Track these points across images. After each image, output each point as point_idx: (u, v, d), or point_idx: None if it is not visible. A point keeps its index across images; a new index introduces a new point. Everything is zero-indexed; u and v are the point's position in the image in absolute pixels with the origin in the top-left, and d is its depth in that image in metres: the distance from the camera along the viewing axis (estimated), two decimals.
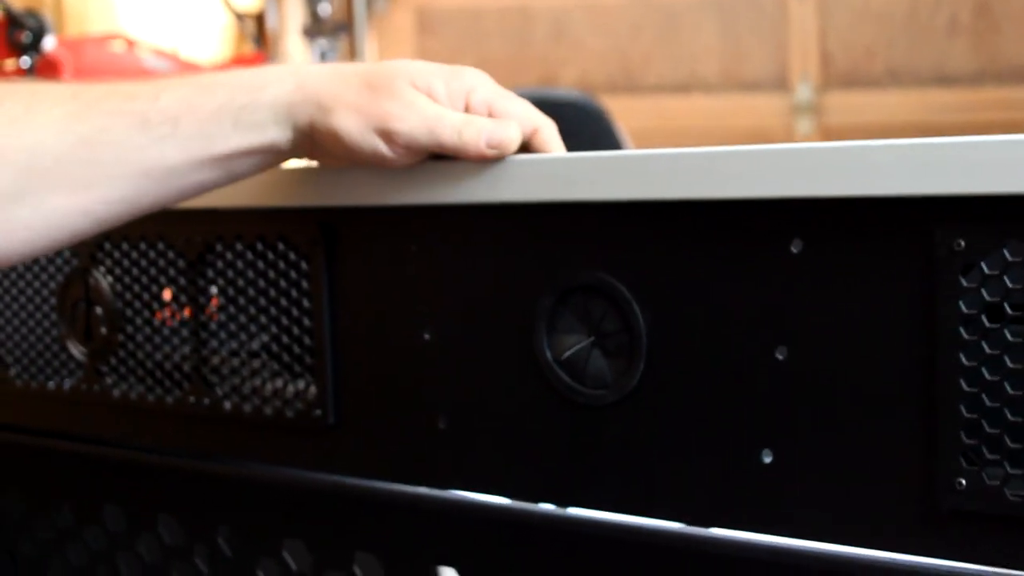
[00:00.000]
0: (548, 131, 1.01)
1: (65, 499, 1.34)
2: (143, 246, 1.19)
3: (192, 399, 1.17)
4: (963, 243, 0.75)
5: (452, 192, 0.97)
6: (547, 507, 0.98)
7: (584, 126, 3.18)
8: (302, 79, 0.98)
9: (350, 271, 1.08)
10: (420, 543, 1.06)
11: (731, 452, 0.87)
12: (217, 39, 4.51)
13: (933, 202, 0.77)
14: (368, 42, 4.97)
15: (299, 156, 1.01)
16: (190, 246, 1.16)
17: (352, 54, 4.97)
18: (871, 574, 0.82)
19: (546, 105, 3.10)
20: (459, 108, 0.98)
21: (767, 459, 0.85)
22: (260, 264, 1.12)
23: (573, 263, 0.95)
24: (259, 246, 1.11)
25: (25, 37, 2.84)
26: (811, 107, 4.60)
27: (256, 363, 1.14)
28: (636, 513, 0.93)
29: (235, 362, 1.15)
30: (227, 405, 1.14)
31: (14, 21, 2.83)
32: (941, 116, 4.42)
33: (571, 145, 3.10)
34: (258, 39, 4.66)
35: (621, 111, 4.55)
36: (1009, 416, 0.74)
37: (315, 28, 4.78)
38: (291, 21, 4.76)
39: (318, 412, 1.09)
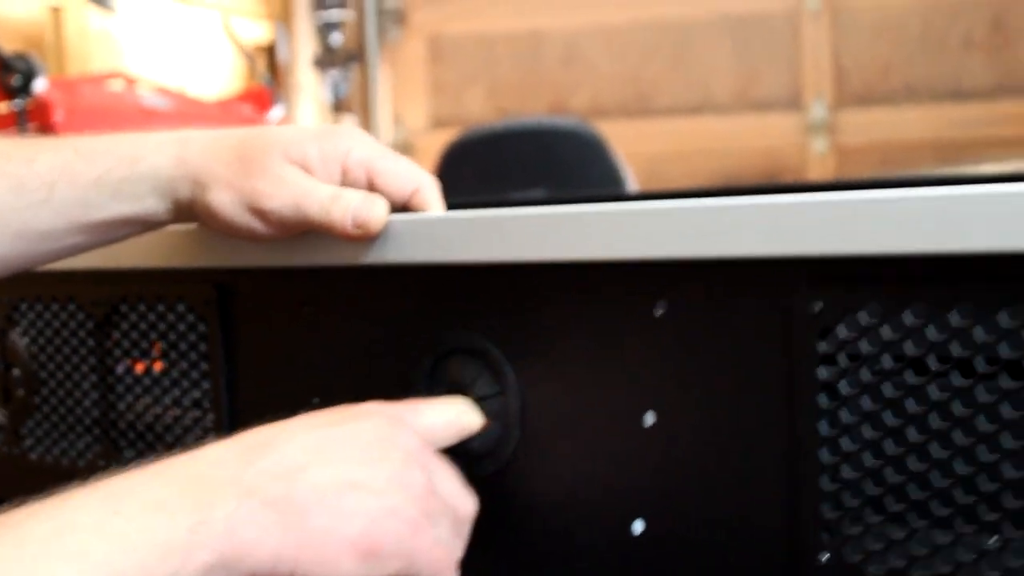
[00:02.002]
0: (428, 190, 0.99)
1: None
2: (55, 307, 1.18)
3: (102, 463, 1.16)
4: (820, 306, 0.73)
5: (334, 254, 0.96)
6: None
7: (581, 155, 3.21)
8: (181, 152, 0.97)
9: (245, 332, 1.07)
10: None
11: (604, 522, 0.85)
12: (227, 74, 4.54)
13: (790, 263, 0.75)
14: (380, 71, 5.04)
15: (179, 222, 1.00)
16: (97, 306, 1.15)
17: (364, 84, 5.03)
18: None
19: (544, 134, 3.12)
20: (334, 174, 0.96)
21: (638, 529, 0.83)
22: (161, 325, 1.10)
23: (449, 325, 0.94)
24: (160, 307, 1.10)
25: (15, 80, 2.88)
26: (826, 125, 4.61)
27: (161, 424, 1.13)
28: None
29: (141, 424, 1.14)
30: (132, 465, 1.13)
31: (3, 64, 2.88)
32: (958, 131, 4.43)
33: (569, 175, 3.06)
34: (269, 73, 4.75)
35: (633, 135, 4.59)
36: (870, 489, 0.73)
37: (327, 59, 4.84)
38: (302, 53, 4.85)
39: None
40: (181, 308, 1.10)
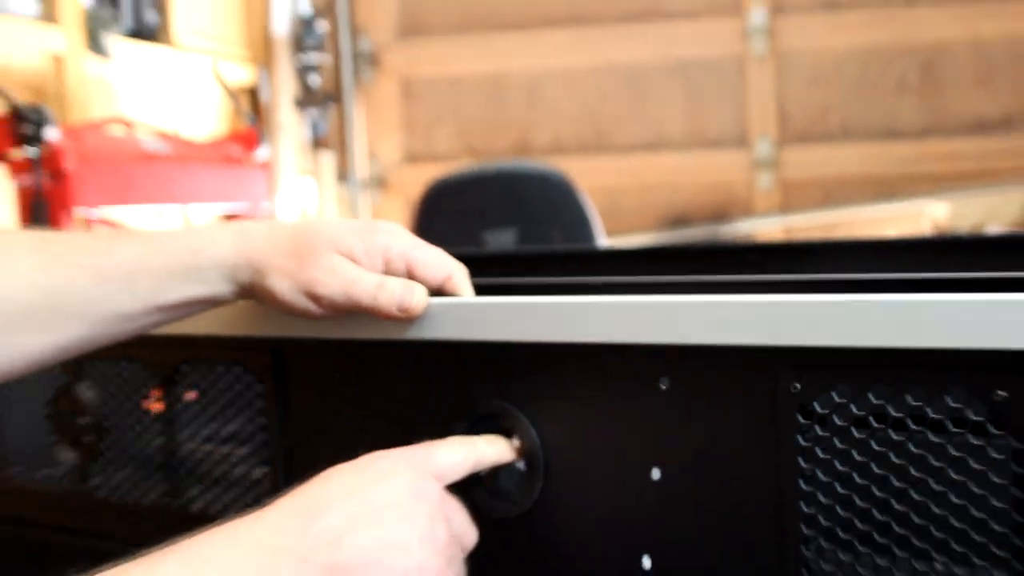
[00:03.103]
0: (459, 276, 1.03)
1: None
2: (123, 364, 1.23)
3: (166, 500, 1.20)
4: (799, 386, 0.80)
5: (378, 331, 1.00)
6: None
7: (552, 198, 3.22)
8: (241, 244, 1.01)
9: (296, 393, 1.11)
10: None
11: (617, 558, 0.90)
12: (214, 115, 4.52)
13: (776, 351, 0.81)
14: (356, 109, 5.04)
15: (241, 299, 1.05)
16: (162, 367, 1.19)
17: (341, 122, 5.03)
18: None
19: (518, 178, 3.17)
20: (377, 263, 1.01)
21: (647, 565, 0.89)
22: (220, 384, 1.15)
23: (481, 394, 0.98)
24: (220, 368, 1.15)
25: (29, 129, 2.89)
26: (770, 162, 4.64)
27: (220, 471, 1.18)
28: None
29: (201, 470, 1.19)
30: (194, 508, 1.17)
31: (18, 115, 2.88)
32: (891, 168, 4.48)
33: (539, 216, 3.12)
34: (252, 113, 4.74)
35: (592, 170, 4.60)
36: (841, 534, 0.80)
37: (306, 99, 4.85)
38: (283, 94, 4.82)
39: None
40: (239, 370, 1.14)
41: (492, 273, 1.52)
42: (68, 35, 3.60)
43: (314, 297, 0.99)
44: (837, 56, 4.59)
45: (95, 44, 3.73)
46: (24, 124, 2.90)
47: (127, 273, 1.00)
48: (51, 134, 2.93)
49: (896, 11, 4.50)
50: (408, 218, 3.45)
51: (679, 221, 4.71)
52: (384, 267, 1.01)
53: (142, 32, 4.11)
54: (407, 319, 0.99)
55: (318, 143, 4.94)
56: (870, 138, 4.55)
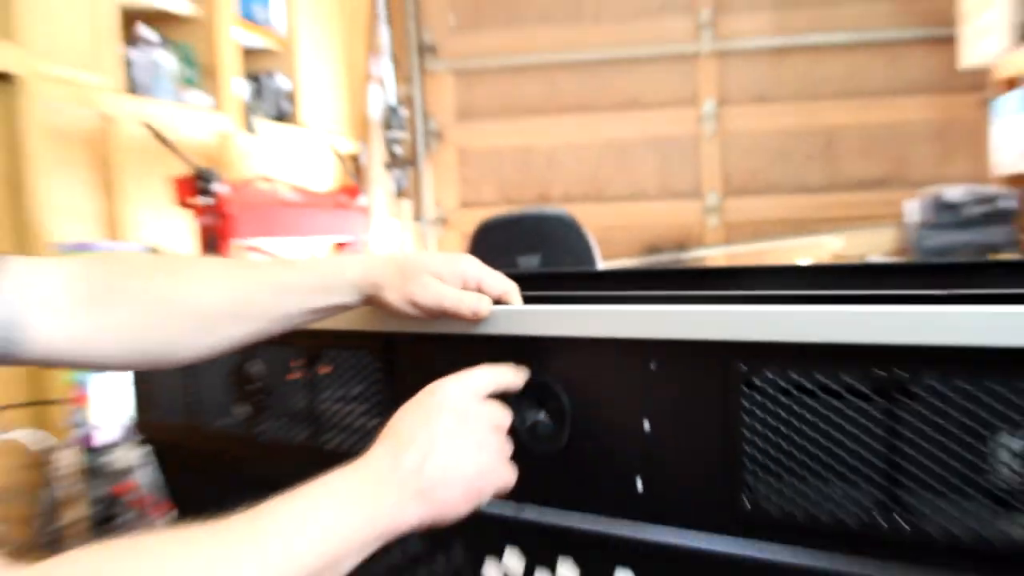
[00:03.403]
0: (513, 292, 1.05)
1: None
2: (283, 347, 1.24)
3: (308, 443, 1.23)
4: (744, 367, 0.84)
5: (458, 327, 1.04)
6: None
7: (564, 232, 3.20)
8: (365, 267, 1.04)
9: (400, 368, 1.14)
10: None
11: (619, 480, 0.94)
12: (329, 174, 4.49)
13: (729, 344, 0.85)
14: (426, 170, 5.00)
15: (363, 306, 1.06)
16: (310, 350, 1.23)
17: (416, 179, 4.97)
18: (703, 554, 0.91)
19: (540, 219, 3.11)
20: (458, 283, 1.03)
21: (640, 486, 0.91)
22: (350, 362, 1.18)
23: (537, 372, 0.99)
24: (350, 352, 1.18)
25: (205, 185, 2.87)
26: (717, 209, 4.59)
27: (347, 421, 1.20)
28: (569, 509, 1.00)
29: (334, 421, 1.22)
30: (328, 447, 1.20)
31: (198, 175, 2.87)
32: (802, 214, 4.44)
33: (556, 245, 3.05)
34: (355, 172, 4.74)
35: (592, 214, 4.54)
36: (771, 465, 0.83)
37: (392, 162, 4.76)
38: (376, 159, 4.71)
39: None
40: (362, 353, 1.17)
41: (525, 287, 1.54)
42: (230, 119, 3.57)
43: (414, 304, 1.02)
44: (764, 135, 4.54)
45: (248, 125, 3.71)
46: (202, 182, 2.89)
47: (290, 288, 1.03)
48: (219, 188, 2.92)
49: (805, 104, 4.47)
50: (463, 247, 3.43)
51: (653, 249, 4.68)
52: (462, 285, 1.03)
53: (280, 116, 4.08)
54: (477, 320, 1.02)
55: (400, 194, 4.83)
56: (787, 192, 4.52)
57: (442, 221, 5.02)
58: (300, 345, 1.24)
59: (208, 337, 1.02)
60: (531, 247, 3.20)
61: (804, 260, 4.20)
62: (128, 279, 0.97)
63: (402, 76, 4.90)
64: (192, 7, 3.42)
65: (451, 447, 0.86)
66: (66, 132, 2.68)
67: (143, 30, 3.16)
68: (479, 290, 1.03)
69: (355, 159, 4.78)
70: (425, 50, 4.97)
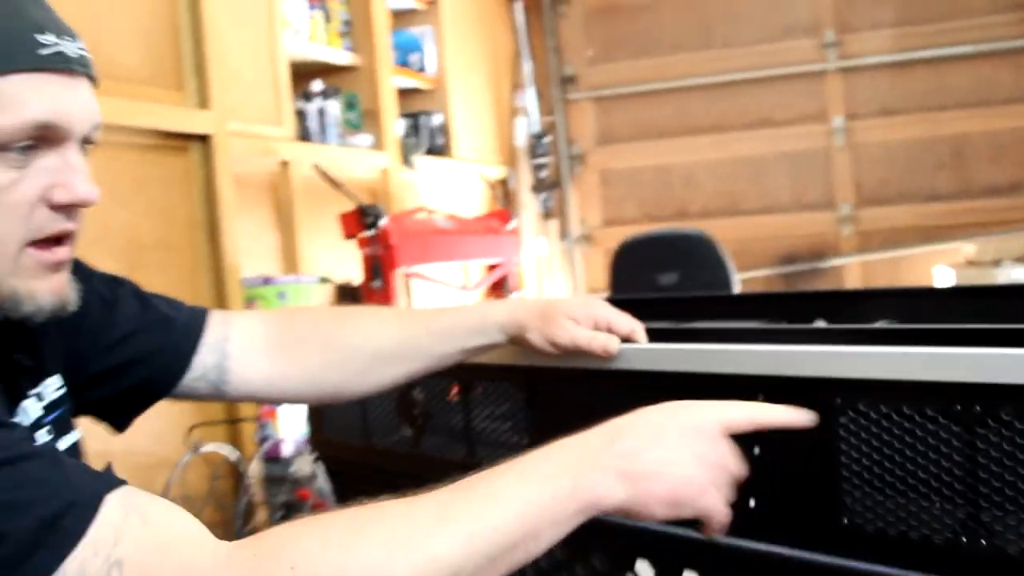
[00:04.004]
0: (639, 331, 1.11)
1: None
2: (440, 378, 1.30)
3: (465, 459, 1.31)
4: (839, 400, 0.89)
5: (589, 363, 1.11)
6: None
7: (701, 251, 3.22)
8: (511, 311, 1.11)
9: (540, 395, 1.22)
10: None
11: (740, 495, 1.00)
12: (480, 201, 4.60)
13: (828, 381, 0.90)
14: (571, 192, 5.09)
15: (509, 344, 1.14)
16: (463, 380, 1.31)
17: (561, 200, 5.04)
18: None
19: (678, 239, 3.14)
20: (590, 324, 1.09)
21: (753, 504, 0.96)
22: (497, 391, 1.26)
23: (647, 400, 1.06)
24: (497, 383, 1.26)
25: (369, 219, 2.95)
26: (851, 219, 4.53)
27: (499, 439, 1.29)
28: (688, 525, 1.06)
29: (484, 438, 1.31)
30: (483, 461, 1.30)
31: (362, 210, 2.96)
32: (933, 221, 4.35)
33: (693, 262, 3.05)
34: (504, 198, 4.85)
35: (729, 228, 4.56)
36: (867, 489, 0.90)
37: (539, 186, 4.85)
38: (524, 184, 4.86)
39: None
40: (507, 384, 1.25)
41: (657, 313, 1.59)
42: (390, 156, 3.71)
43: (553, 344, 1.09)
44: (893, 146, 4.46)
45: (406, 160, 3.84)
46: (367, 216, 2.97)
47: (447, 331, 1.12)
48: (382, 221, 2.99)
49: (932, 114, 4.37)
50: (606, 264, 3.48)
51: (788, 259, 4.65)
52: (594, 326, 1.10)
53: (434, 150, 4.20)
54: (608, 358, 1.09)
55: (547, 215, 4.96)
56: (918, 201, 4.43)
57: (587, 239, 5.10)
58: (455, 376, 1.32)
59: (378, 376, 1.13)
60: (670, 265, 3.23)
61: (940, 268, 4.11)
62: (310, 328, 1.10)
63: (545, 106, 5.00)
64: (354, 59, 3.61)
65: (672, 448, 0.79)
66: (249, 179, 2.89)
67: (314, 84, 3.36)
68: (609, 330, 1.10)
69: (504, 184, 4.90)
70: (566, 81, 5.07)
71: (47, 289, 0.82)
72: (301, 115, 3.29)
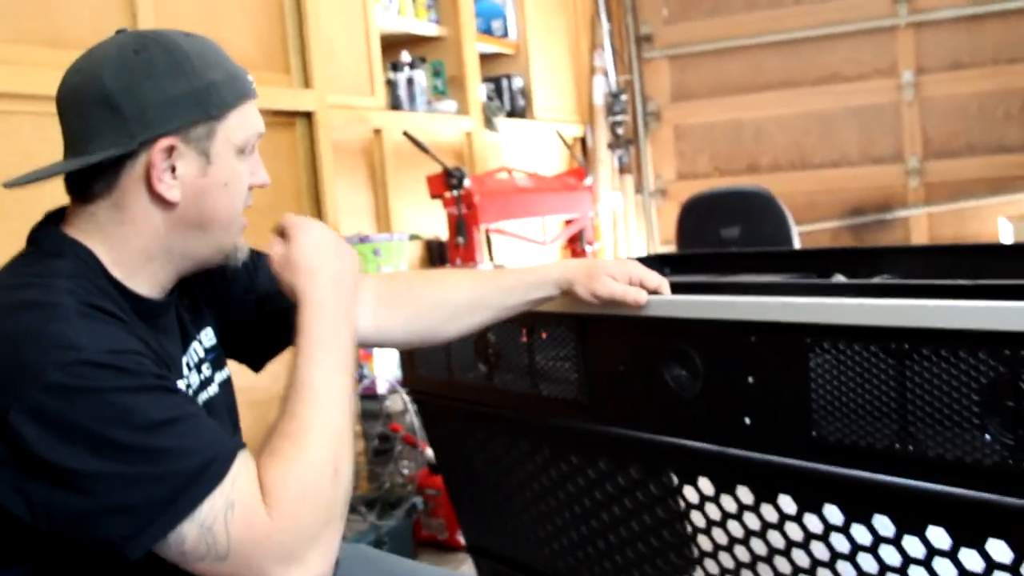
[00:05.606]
0: (664, 286, 1.32)
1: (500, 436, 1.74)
2: (509, 323, 1.49)
3: (531, 389, 1.54)
4: (808, 340, 1.11)
5: (625, 310, 1.31)
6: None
7: (762, 207, 3.36)
8: (563, 270, 1.33)
9: (590, 338, 1.42)
10: None
11: (733, 417, 1.22)
12: (558, 159, 4.73)
13: (802, 326, 1.12)
14: (646, 147, 5.25)
15: (562, 296, 1.34)
16: (527, 325, 1.53)
17: (638, 156, 5.21)
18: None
19: (740, 195, 3.33)
20: (626, 280, 1.31)
21: (747, 421, 1.20)
22: (555, 334, 1.48)
23: (672, 342, 1.27)
24: (554, 328, 1.49)
25: (454, 181, 3.20)
26: (918, 171, 4.61)
27: (555, 375, 1.49)
28: (699, 438, 1.30)
29: (545, 373, 1.52)
30: (544, 392, 1.52)
31: (447, 172, 3.20)
32: (1000, 172, 4.42)
33: (754, 217, 3.21)
34: (582, 155, 5.02)
35: (798, 181, 4.72)
36: (829, 408, 1.14)
37: (615, 143, 5.05)
38: (601, 141, 5.03)
39: (580, 396, 1.45)
40: (563, 329, 1.46)
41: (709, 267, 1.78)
42: (473, 120, 3.92)
43: (596, 296, 1.32)
44: (962, 99, 4.53)
45: (489, 123, 4.05)
46: (451, 177, 3.20)
47: (512, 287, 1.35)
48: (466, 182, 3.21)
49: (1002, 67, 4.43)
50: (677, 216, 3.64)
51: (856, 212, 4.76)
52: (628, 281, 1.32)
53: (515, 112, 4.40)
54: (638, 307, 1.31)
55: (623, 170, 5.12)
56: (985, 153, 4.49)
57: (661, 193, 5.27)
58: (521, 322, 1.56)
59: (458, 324, 1.37)
60: (733, 219, 3.40)
61: (1001, 220, 4.20)
62: (405, 288, 1.35)
63: (622, 65, 5.17)
64: (440, 29, 3.86)
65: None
66: (346, 147, 3.19)
67: (403, 55, 3.63)
68: (640, 285, 1.33)
69: (582, 142, 5.07)
70: (642, 40, 5.22)
71: (245, 244, 1.16)
72: (391, 85, 3.56)
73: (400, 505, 2.78)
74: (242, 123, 1.09)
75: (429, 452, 2.75)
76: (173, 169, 1.05)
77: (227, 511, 0.92)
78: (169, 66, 1.04)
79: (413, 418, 2.76)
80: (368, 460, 2.87)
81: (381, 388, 2.89)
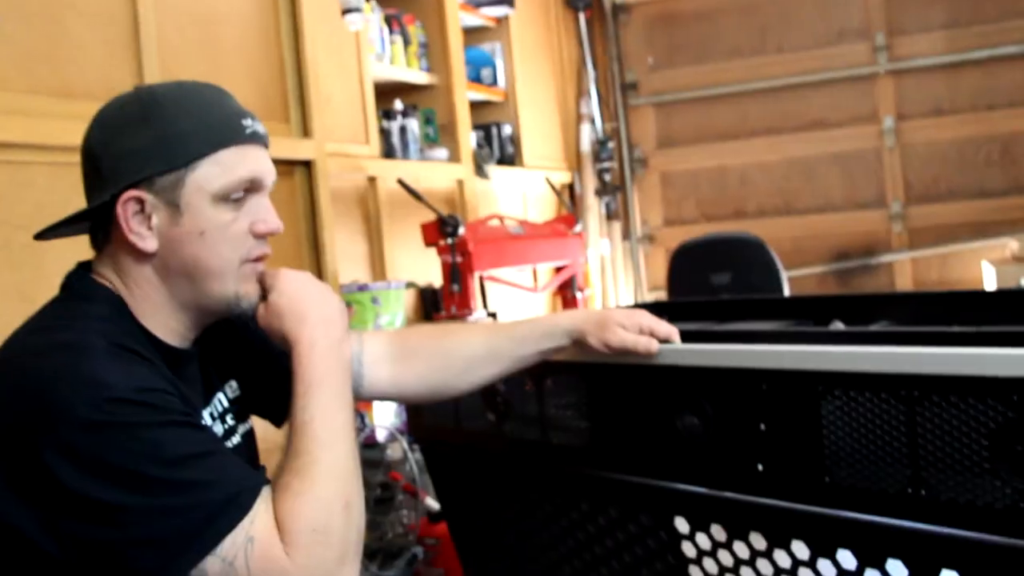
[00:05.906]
0: (674, 335, 1.35)
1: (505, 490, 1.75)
2: (522, 373, 1.58)
3: (540, 437, 1.55)
4: (820, 388, 1.15)
5: (635, 360, 1.34)
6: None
7: (752, 254, 3.38)
8: (573, 320, 1.36)
9: (598, 382, 1.44)
10: None
11: (742, 460, 1.24)
12: (548, 206, 4.75)
13: (814, 374, 1.15)
14: (633, 194, 5.26)
15: (572, 346, 1.37)
16: (538, 375, 1.54)
17: (625, 202, 5.22)
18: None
19: (730, 242, 3.34)
20: (636, 329, 1.34)
21: (760, 467, 1.23)
22: (563, 380, 1.50)
23: (683, 390, 1.29)
24: (564, 376, 1.51)
25: (448, 228, 3.18)
26: (901, 216, 4.67)
27: (562, 423, 1.51)
28: (711, 486, 1.33)
29: (556, 422, 1.53)
30: (554, 440, 1.53)
31: (442, 220, 3.18)
32: (981, 217, 4.48)
33: (744, 263, 3.22)
34: (571, 202, 4.99)
35: (783, 226, 4.75)
36: (842, 454, 1.17)
37: (603, 190, 5.04)
38: (589, 188, 5.06)
39: (591, 444, 1.45)
40: (574, 376, 1.46)
41: (705, 314, 1.81)
42: (465, 167, 3.93)
43: (607, 345, 1.35)
44: (942, 145, 4.60)
45: (480, 170, 4.05)
46: (446, 225, 3.18)
47: (524, 338, 1.39)
48: (461, 229, 3.19)
49: (981, 114, 4.51)
50: (667, 262, 3.64)
51: (841, 256, 4.80)
52: (639, 331, 1.35)
53: (505, 160, 4.42)
54: (649, 356, 1.34)
55: (611, 216, 5.15)
56: (966, 197, 4.55)
57: (649, 238, 5.31)
58: (531, 372, 1.55)
59: (472, 376, 1.40)
60: (723, 266, 3.43)
61: (984, 264, 4.26)
62: (420, 343, 1.38)
63: (608, 112, 5.24)
64: (431, 78, 3.91)
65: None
66: (342, 195, 3.21)
67: (395, 103, 3.67)
68: (651, 334, 1.36)
69: (570, 188, 5.10)
70: (627, 88, 5.29)
71: (254, 292, 1.14)
72: (384, 133, 3.60)
73: (401, 555, 2.78)
74: (221, 170, 1.08)
75: (429, 501, 2.75)
76: (150, 219, 1.07)
77: (247, 546, 0.94)
78: (139, 117, 1.06)
79: (413, 467, 2.77)
80: (370, 509, 2.86)
81: (380, 436, 2.90)
